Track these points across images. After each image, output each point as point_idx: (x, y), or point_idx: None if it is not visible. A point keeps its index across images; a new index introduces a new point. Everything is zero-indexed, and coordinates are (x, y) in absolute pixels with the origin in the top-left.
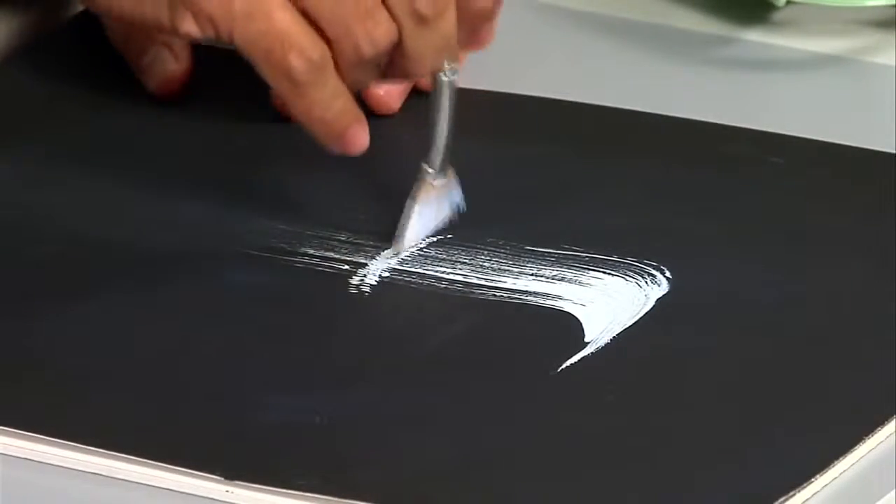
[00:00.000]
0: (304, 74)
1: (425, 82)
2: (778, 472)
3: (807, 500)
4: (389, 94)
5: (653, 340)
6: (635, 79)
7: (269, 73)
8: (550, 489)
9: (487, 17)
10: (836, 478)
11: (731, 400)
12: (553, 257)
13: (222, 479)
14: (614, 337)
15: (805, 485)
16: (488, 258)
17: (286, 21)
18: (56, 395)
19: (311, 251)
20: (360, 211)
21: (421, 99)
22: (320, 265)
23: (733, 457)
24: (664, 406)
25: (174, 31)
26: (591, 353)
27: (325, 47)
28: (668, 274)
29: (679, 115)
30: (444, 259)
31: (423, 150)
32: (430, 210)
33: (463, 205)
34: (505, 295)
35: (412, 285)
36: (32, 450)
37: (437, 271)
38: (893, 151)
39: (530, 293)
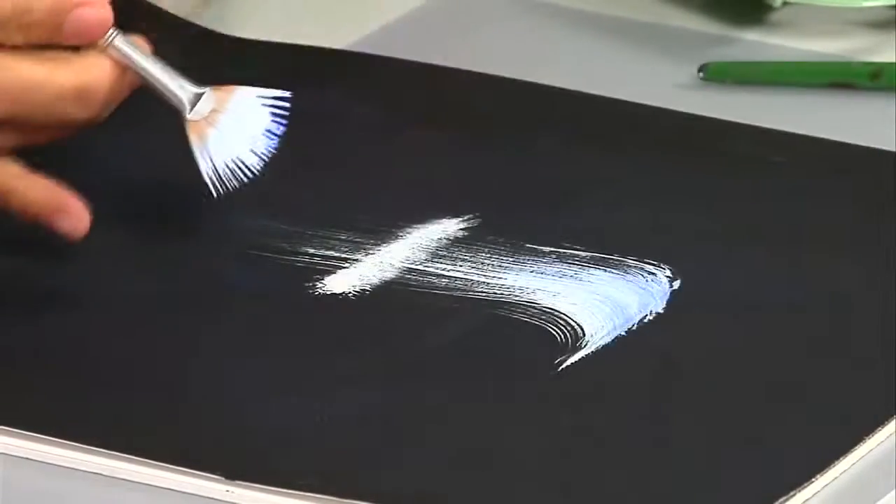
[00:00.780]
0: None
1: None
2: (778, 472)
3: (807, 500)
4: (79, 22)
5: (653, 340)
6: (634, 78)
7: None
8: (550, 489)
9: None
10: (836, 478)
11: (732, 400)
12: (553, 255)
13: (222, 479)
14: (614, 337)
15: (805, 485)
16: (488, 256)
17: None
18: (56, 395)
19: (311, 250)
20: (360, 210)
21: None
22: (321, 264)
23: (733, 457)
24: (664, 406)
25: None
26: (591, 352)
27: None
28: (668, 273)
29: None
30: (444, 256)
31: (427, 148)
32: (226, 138)
33: (280, 95)
34: (505, 293)
35: (412, 283)
36: (32, 450)
37: (437, 269)
38: (893, 151)
39: (530, 291)
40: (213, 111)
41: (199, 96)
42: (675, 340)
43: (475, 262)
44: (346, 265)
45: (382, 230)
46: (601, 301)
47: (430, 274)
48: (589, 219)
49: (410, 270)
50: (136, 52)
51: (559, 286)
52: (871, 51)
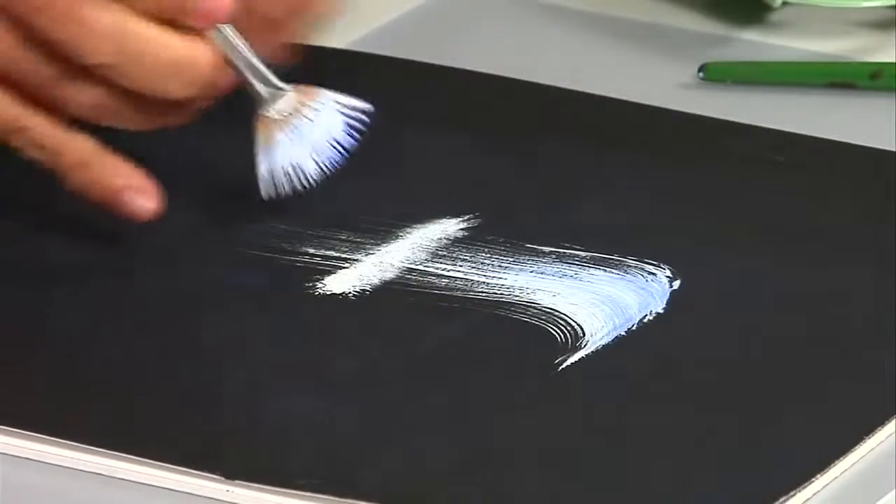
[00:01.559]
0: (34, 152)
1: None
2: (778, 472)
3: (807, 500)
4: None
5: (653, 340)
6: (634, 78)
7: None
8: (550, 489)
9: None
10: (836, 478)
11: (732, 400)
12: (553, 255)
13: (222, 479)
14: (614, 337)
15: (805, 485)
16: (488, 256)
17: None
18: (56, 395)
19: (311, 250)
20: (360, 210)
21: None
22: (321, 264)
23: (733, 457)
24: (664, 406)
25: None
26: (591, 352)
27: (44, 121)
28: (668, 273)
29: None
30: (444, 256)
31: (427, 148)
32: (293, 143)
33: (361, 107)
34: (505, 293)
35: (412, 283)
36: (32, 450)
37: (436, 269)
38: (893, 151)
39: (530, 291)
40: (288, 113)
41: (279, 95)
42: (675, 340)
43: (475, 262)
44: (346, 265)
45: (382, 230)
46: (601, 301)
47: (430, 274)
48: (589, 219)
49: (410, 270)
50: (237, 41)
51: (559, 286)
52: (871, 51)
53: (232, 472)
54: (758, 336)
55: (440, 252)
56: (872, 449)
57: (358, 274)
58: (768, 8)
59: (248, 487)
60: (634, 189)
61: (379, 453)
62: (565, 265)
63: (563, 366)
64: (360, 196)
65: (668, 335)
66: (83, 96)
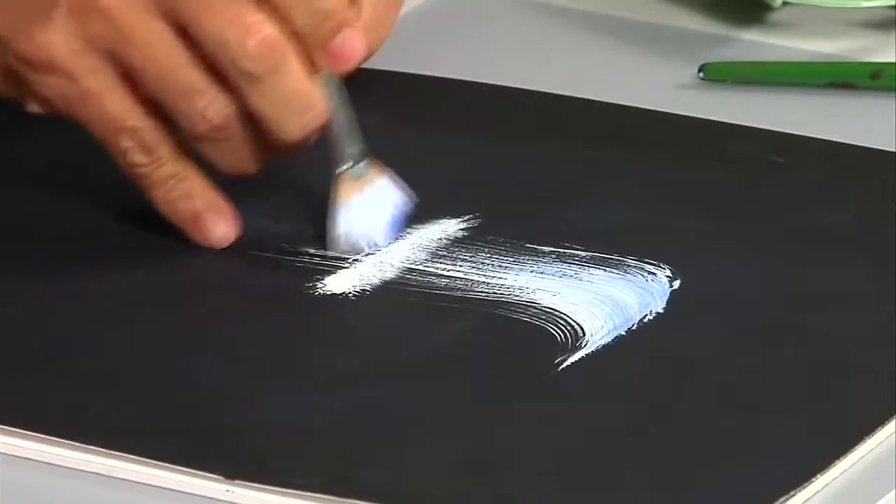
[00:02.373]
0: (136, 156)
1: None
2: (778, 472)
3: (807, 500)
4: (346, 43)
5: (653, 340)
6: (634, 78)
7: (111, 154)
8: (551, 489)
9: (330, 29)
10: (836, 478)
11: (732, 400)
12: (553, 255)
13: (222, 478)
14: (614, 336)
15: (805, 485)
16: (488, 256)
17: (117, 105)
18: (56, 395)
19: (311, 250)
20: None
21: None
22: (321, 264)
23: (733, 457)
24: (664, 406)
25: (27, 109)
26: (591, 352)
27: (158, 128)
28: (668, 273)
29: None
30: (444, 256)
31: (428, 150)
32: (362, 209)
33: (410, 197)
34: (505, 293)
35: (412, 283)
36: (32, 450)
37: (437, 269)
38: (893, 151)
39: (531, 291)
40: (362, 180)
41: (360, 159)
42: (675, 340)
43: (475, 262)
44: (346, 265)
45: None
46: (601, 301)
47: (430, 274)
48: (589, 219)
49: (410, 270)
50: (343, 93)
51: (559, 286)
52: (871, 51)
53: (232, 472)
54: (758, 336)
55: (440, 252)
56: (872, 449)
57: (358, 274)
58: (768, 8)
59: (248, 487)
60: (634, 189)
61: (379, 453)
62: (565, 265)
63: (564, 365)
64: None
65: (668, 335)
66: (216, 105)
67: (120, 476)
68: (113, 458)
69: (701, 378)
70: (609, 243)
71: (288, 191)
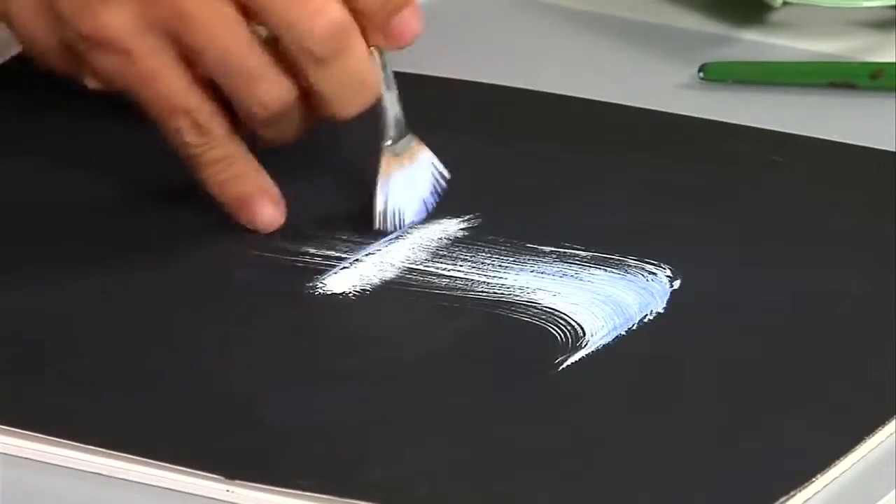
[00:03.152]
0: (189, 136)
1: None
2: (778, 472)
3: (807, 500)
4: (405, 21)
5: (653, 340)
6: (634, 78)
7: (165, 134)
8: (551, 489)
9: (393, 8)
10: (836, 478)
11: (732, 400)
12: (553, 255)
13: (222, 479)
14: (615, 336)
15: (805, 485)
16: (489, 256)
17: (174, 85)
18: (56, 395)
19: (311, 250)
20: (360, 209)
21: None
22: (321, 264)
23: (733, 457)
24: (664, 406)
25: (85, 86)
26: (591, 352)
27: (213, 109)
28: (668, 273)
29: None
30: (444, 256)
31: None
32: (403, 185)
33: (444, 174)
34: (505, 293)
35: (413, 283)
36: (32, 450)
37: (437, 268)
38: (893, 151)
39: (531, 291)
40: (405, 157)
41: (404, 135)
42: (675, 340)
43: (475, 262)
44: (346, 265)
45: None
46: (601, 301)
47: (430, 274)
48: (589, 219)
49: (410, 270)
50: (390, 70)
51: (559, 286)
52: (871, 51)
53: (232, 472)
54: (757, 336)
55: (440, 252)
56: (872, 449)
57: (358, 274)
58: (768, 8)
59: (248, 487)
60: (635, 189)
61: (379, 453)
62: (566, 265)
63: (564, 365)
64: (361, 196)
65: (668, 335)
66: (275, 91)
67: (120, 476)
68: (113, 458)
69: (701, 378)
70: (609, 243)
71: (289, 191)
